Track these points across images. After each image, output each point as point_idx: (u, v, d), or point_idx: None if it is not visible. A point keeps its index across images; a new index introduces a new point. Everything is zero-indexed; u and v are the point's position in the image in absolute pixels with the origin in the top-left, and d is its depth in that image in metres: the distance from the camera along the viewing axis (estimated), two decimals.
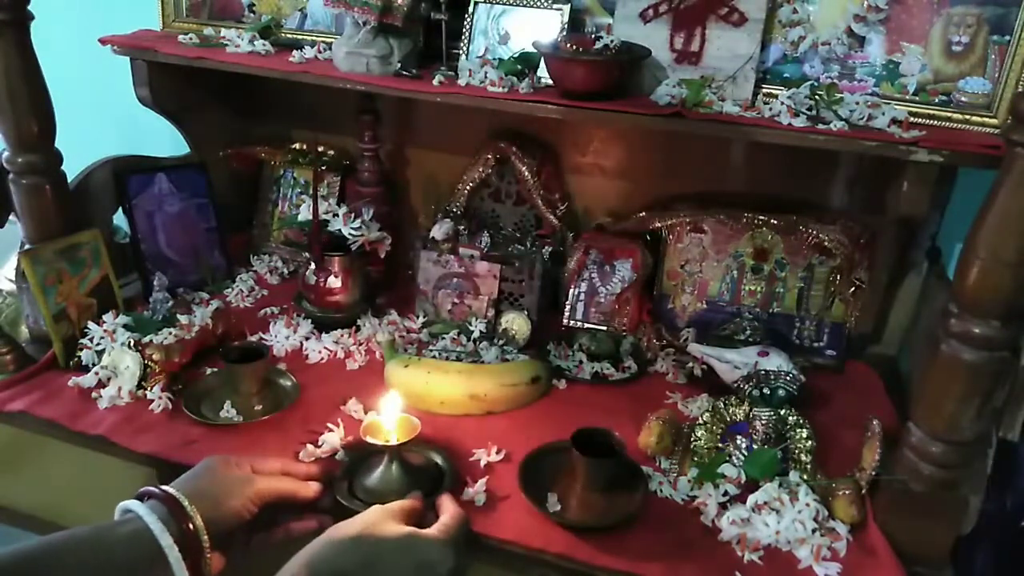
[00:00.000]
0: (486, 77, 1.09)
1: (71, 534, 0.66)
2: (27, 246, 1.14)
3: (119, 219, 1.37)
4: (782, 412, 0.96)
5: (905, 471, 0.84)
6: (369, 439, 0.87)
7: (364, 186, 1.40)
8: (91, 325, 1.12)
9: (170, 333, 1.10)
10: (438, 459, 0.95)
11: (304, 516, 0.83)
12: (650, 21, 1.10)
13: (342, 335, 1.24)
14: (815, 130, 0.97)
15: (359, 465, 0.92)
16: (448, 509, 0.78)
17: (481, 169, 1.36)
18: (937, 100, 1.02)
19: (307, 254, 1.30)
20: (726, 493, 0.91)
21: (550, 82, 1.10)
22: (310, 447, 0.96)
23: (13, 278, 1.24)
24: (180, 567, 0.66)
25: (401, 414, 0.90)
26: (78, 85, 1.48)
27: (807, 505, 0.87)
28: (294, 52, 1.23)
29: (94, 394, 1.05)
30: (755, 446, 0.95)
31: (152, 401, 1.04)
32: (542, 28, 1.16)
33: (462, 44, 1.21)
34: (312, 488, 0.83)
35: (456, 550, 0.71)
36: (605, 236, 1.31)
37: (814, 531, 0.85)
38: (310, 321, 1.26)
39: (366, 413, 1.04)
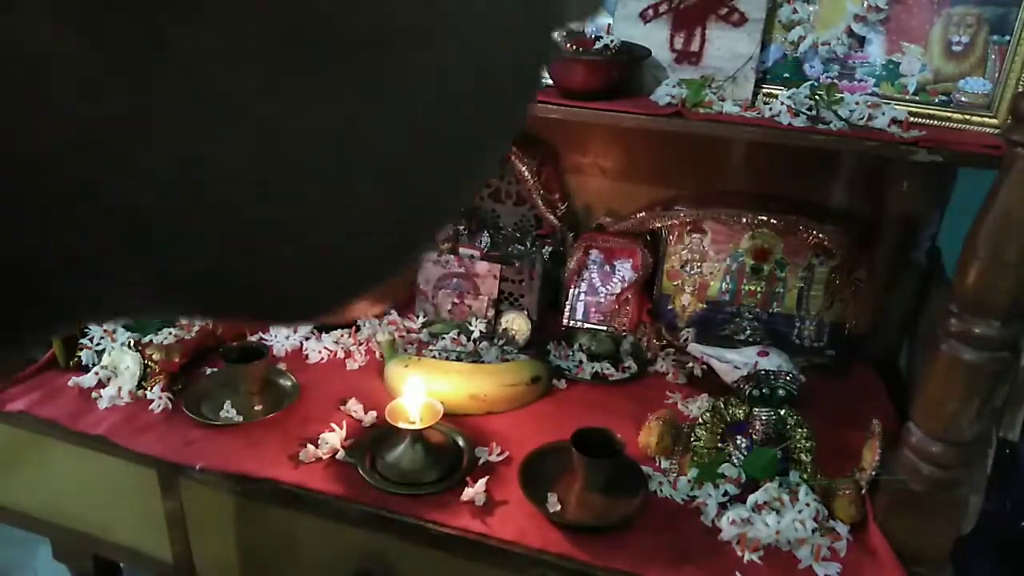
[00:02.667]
0: None
1: None
2: None
3: None
4: (782, 412, 0.96)
5: (905, 471, 0.84)
6: (393, 422, 0.92)
7: None
8: (91, 325, 1.12)
9: (170, 333, 1.10)
10: (458, 439, 1.00)
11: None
12: (650, 21, 1.10)
13: (342, 335, 1.24)
14: (815, 130, 0.97)
15: (381, 441, 0.96)
16: None
17: None
18: (937, 100, 1.02)
19: None
20: (726, 493, 0.91)
21: (550, 82, 1.10)
22: (310, 447, 0.96)
23: None
24: None
25: (424, 399, 0.95)
26: None
27: (807, 505, 0.87)
28: None
29: (94, 394, 1.05)
30: (755, 446, 0.95)
31: (152, 401, 1.04)
32: None
33: None
34: None
35: None
36: (605, 236, 1.30)
37: (814, 531, 0.85)
38: None
39: (366, 413, 1.05)
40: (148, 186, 0.16)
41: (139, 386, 1.06)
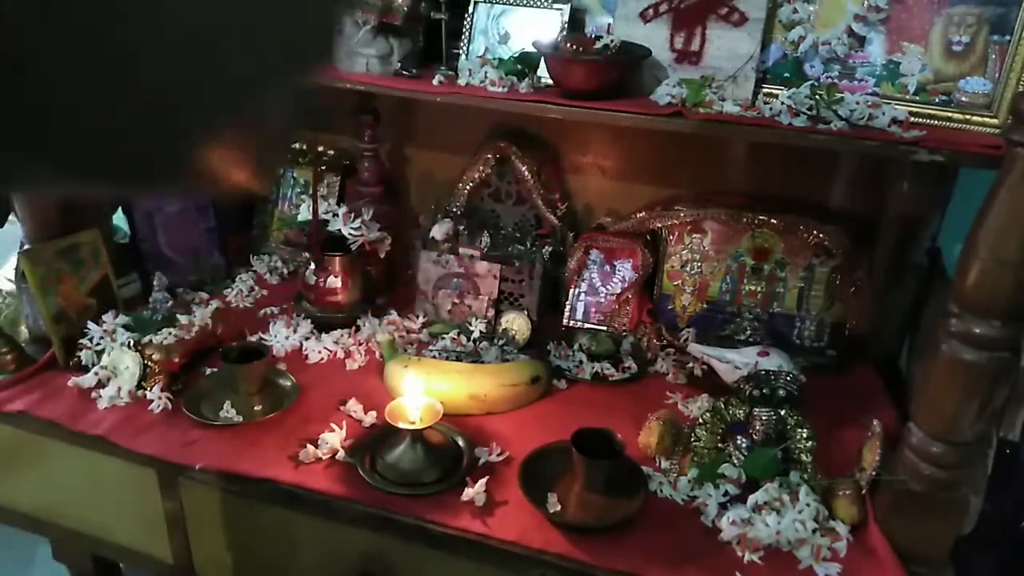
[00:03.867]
0: (486, 77, 1.09)
1: None
2: (27, 246, 1.13)
3: (119, 219, 1.37)
4: (782, 412, 0.96)
5: (905, 471, 0.84)
6: (394, 422, 0.93)
7: (364, 186, 1.40)
8: (91, 325, 1.12)
9: (170, 333, 1.10)
10: (458, 439, 1.00)
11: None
12: (650, 21, 1.10)
13: (342, 335, 1.24)
14: (815, 130, 0.97)
15: (381, 441, 0.97)
16: None
17: (481, 169, 1.36)
18: (937, 100, 1.02)
19: (307, 254, 1.30)
20: (726, 493, 0.91)
21: (550, 82, 1.10)
22: (310, 447, 0.96)
23: (13, 278, 1.24)
24: None
25: (424, 399, 0.96)
26: None
27: (807, 505, 0.87)
28: None
29: (94, 394, 1.05)
30: (755, 446, 0.95)
31: (152, 401, 1.04)
32: (542, 28, 1.16)
33: (462, 44, 1.21)
34: None
35: None
36: (605, 236, 1.30)
37: (814, 531, 0.85)
38: (310, 321, 1.26)
39: (366, 413, 1.05)
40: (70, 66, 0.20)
41: (139, 386, 1.06)
